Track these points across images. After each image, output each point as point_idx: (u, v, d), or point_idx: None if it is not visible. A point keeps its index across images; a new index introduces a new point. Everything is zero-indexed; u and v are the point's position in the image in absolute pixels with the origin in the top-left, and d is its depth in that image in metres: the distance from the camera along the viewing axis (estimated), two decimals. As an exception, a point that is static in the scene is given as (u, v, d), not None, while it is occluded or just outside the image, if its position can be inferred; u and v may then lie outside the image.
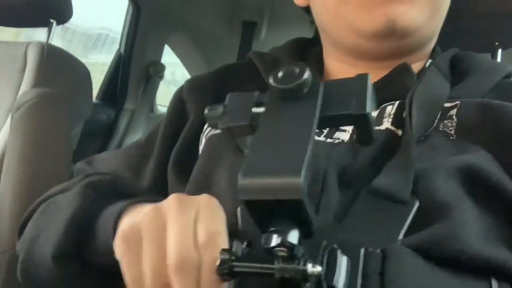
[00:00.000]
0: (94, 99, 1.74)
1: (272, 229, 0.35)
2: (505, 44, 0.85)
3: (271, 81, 0.40)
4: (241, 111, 0.42)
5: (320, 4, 0.65)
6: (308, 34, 0.79)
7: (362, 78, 0.40)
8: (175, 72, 2.52)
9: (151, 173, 0.70)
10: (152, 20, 1.79)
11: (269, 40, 1.93)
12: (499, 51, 0.86)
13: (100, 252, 0.52)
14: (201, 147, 0.66)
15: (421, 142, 0.53)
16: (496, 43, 0.85)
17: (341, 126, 0.41)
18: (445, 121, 0.55)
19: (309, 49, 0.74)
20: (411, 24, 0.58)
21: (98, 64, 2.23)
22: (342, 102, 0.39)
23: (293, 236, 0.35)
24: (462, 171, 0.49)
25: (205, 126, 0.68)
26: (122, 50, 1.80)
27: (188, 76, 2.10)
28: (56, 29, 1.27)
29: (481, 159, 0.50)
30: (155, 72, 1.85)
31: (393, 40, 0.60)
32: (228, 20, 1.90)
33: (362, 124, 0.38)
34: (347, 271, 0.41)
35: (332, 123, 0.40)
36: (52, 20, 1.25)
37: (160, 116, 1.93)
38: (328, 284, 0.39)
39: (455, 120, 0.55)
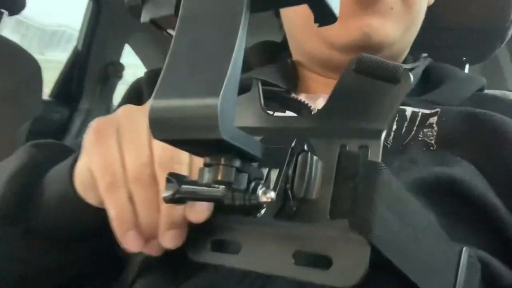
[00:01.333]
0: (47, 97, 1.68)
1: (205, 161, 0.29)
2: (473, 59, 0.83)
3: None
4: None
5: (291, 10, 0.61)
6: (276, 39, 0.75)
7: None
8: (137, 74, 2.45)
9: None
10: (113, 18, 1.73)
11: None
12: (467, 66, 0.84)
13: (51, 210, 0.45)
14: None
15: (400, 153, 0.50)
16: (464, 58, 0.84)
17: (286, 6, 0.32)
18: (425, 130, 0.52)
19: (278, 54, 0.70)
20: (386, 38, 0.56)
21: (54, 61, 2.14)
22: None
23: (228, 172, 0.29)
24: (441, 183, 0.46)
25: None
26: (79, 47, 1.73)
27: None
28: (10, 23, 1.20)
29: (464, 171, 0.48)
30: (113, 71, 1.79)
31: (367, 53, 0.57)
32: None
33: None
34: (317, 176, 0.35)
35: (270, 4, 0.30)
36: (3, 10, 1.18)
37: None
38: (294, 195, 0.34)
39: (435, 129, 0.52)
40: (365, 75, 0.39)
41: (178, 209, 0.37)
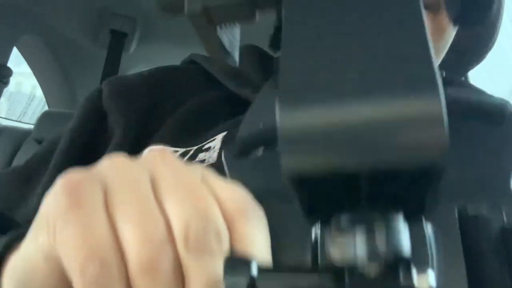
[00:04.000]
0: None
1: (349, 215, 0.20)
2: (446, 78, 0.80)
3: None
4: None
5: None
6: (186, 50, 0.65)
7: None
8: (21, 83, 2.16)
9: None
10: (0, 15, 1.50)
11: (140, 53, 1.73)
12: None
13: None
14: None
15: None
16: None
17: None
18: None
19: (267, 59, 0.60)
20: None
21: None
22: None
23: (399, 233, 0.19)
24: None
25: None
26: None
27: (39, 89, 1.81)
28: None
29: None
30: (-1, 76, 1.54)
31: None
32: (94, 27, 1.66)
33: None
34: (437, 252, 0.24)
35: None
36: None
37: (3, 131, 1.62)
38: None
39: None
40: (455, 116, 0.30)
41: None
